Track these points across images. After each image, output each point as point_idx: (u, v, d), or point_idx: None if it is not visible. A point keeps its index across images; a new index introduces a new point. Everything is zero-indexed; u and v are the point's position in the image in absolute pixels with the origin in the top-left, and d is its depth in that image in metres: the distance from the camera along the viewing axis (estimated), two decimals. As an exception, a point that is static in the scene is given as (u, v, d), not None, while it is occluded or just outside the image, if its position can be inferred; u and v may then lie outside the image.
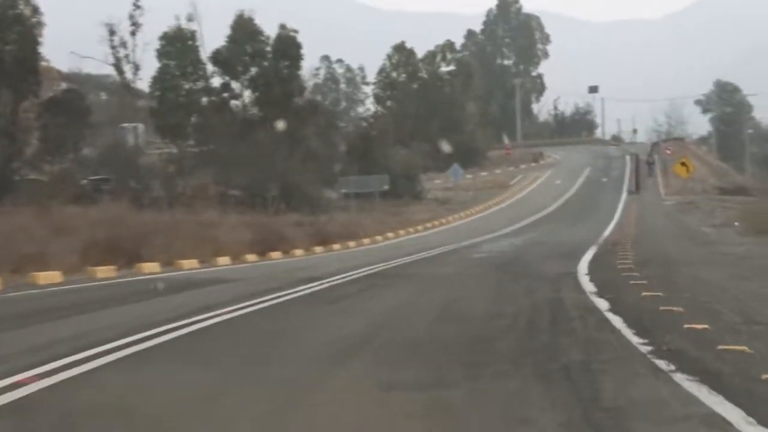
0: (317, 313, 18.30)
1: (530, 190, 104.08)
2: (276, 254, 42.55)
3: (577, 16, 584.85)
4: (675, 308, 17.96)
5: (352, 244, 51.82)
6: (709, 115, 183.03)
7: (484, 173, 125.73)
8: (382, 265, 31.00)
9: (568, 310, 18.40)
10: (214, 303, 19.26)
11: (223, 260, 37.47)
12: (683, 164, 72.09)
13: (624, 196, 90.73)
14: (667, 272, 25.44)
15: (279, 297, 20.82)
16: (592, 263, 29.22)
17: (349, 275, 27.09)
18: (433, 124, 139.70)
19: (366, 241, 54.29)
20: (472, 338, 14.47)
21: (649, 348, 13.52)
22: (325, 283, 24.59)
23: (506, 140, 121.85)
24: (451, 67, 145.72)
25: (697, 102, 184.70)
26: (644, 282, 22.63)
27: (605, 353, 13.15)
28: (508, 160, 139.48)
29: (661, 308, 18.02)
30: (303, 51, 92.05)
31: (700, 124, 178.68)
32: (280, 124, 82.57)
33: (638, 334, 14.93)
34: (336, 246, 49.68)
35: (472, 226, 65.22)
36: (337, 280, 25.67)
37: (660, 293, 20.37)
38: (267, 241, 45.78)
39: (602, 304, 18.97)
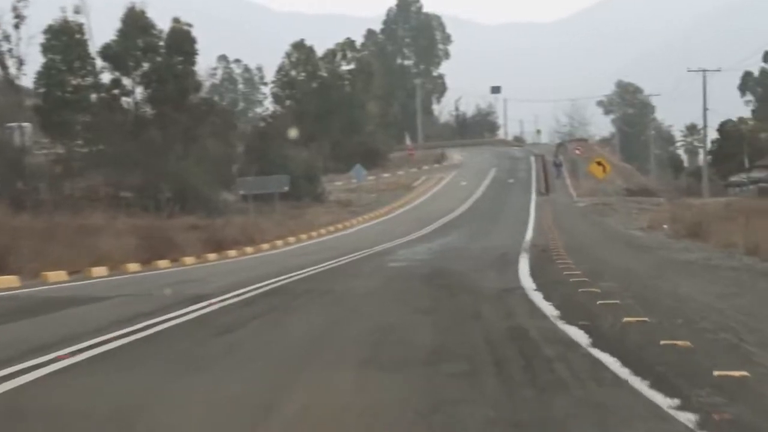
0: (191, 360, 12.91)
1: (435, 192, 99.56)
2: (163, 263, 37.17)
3: (473, 19, 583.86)
4: (679, 342, 13.28)
5: (249, 250, 46.56)
6: (611, 116, 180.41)
7: (386, 175, 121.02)
8: (284, 277, 25.86)
9: (538, 345, 13.61)
10: (49, 341, 13.99)
11: (99, 271, 32.05)
12: (599, 164, 67.79)
13: (534, 197, 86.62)
14: (634, 287, 20.83)
15: (148, 327, 15.54)
16: (535, 275, 24.43)
17: (246, 292, 21.94)
18: (333, 124, 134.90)
19: (265, 246, 49.07)
20: (419, 408, 9.47)
21: (693, 418, 8.88)
22: (214, 304, 19.45)
23: (409, 141, 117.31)
24: (352, 66, 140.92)
25: (599, 103, 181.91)
26: (615, 301, 17.94)
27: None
28: (410, 162, 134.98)
29: (662, 342, 13.33)
30: (198, 47, 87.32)
31: (602, 125, 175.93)
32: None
33: (657, 387, 10.23)
34: (232, 253, 44.42)
35: (379, 230, 60.34)
36: (230, 298, 20.51)
37: (645, 318, 15.69)
38: (155, 247, 40.44)
39: (578, 336, 14.22)
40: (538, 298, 19.33)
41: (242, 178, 76.62)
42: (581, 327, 14.90)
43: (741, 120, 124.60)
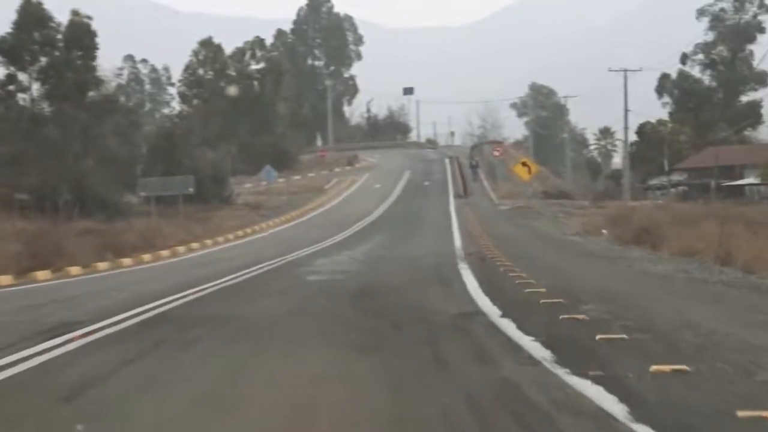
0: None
1: (348, 195, 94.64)
2: (43, 274, 31.73)
3: (383, 23, 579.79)
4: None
5: (147, 257, 41.17)
6: (524, 119, 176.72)
7: (297, 177, 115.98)
8: (179, 295, 20.66)
9: (551, 418, 8.77)
10: None
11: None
12: (524, 165, 63.56)
13: (452, 200, 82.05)
14: (627, 312, 15.94)
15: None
16: (490, 292, 19.50)
17: (126, 318, 16.77)
18: (242, 125, 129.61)
19: (165, 253, 43.69)
20: None
21: None
22: (78, 338, 14.33)
23: (320, 142, 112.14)
24: (261, 66, 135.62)
25: (513, 105, 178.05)
26: (620, 336, 13.18)
27: None
28: (322, 163, 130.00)
29: (741, 414, 8.67)
30: (102, 45, 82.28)
31: (516, 128, 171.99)
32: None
33: None
34: (127, 261, 39.04)
35: (292, 235, 55.25)
36: (103, 329, 15.38)
37: (680, 365, 10.90)
38: (39, 255, 35.13)
39: (602, 398, 9.40)
40: (509, 328, 14.44)
41: (144, 178, 71.05)
42: (597, 381, 10.10)
43: (660, 122, 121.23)
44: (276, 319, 16.69)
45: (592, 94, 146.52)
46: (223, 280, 25.01)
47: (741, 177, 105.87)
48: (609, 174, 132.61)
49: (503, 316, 15.84)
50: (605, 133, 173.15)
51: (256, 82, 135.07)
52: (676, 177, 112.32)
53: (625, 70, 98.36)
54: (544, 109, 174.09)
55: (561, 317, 15.24)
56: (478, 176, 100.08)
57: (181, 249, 46.20)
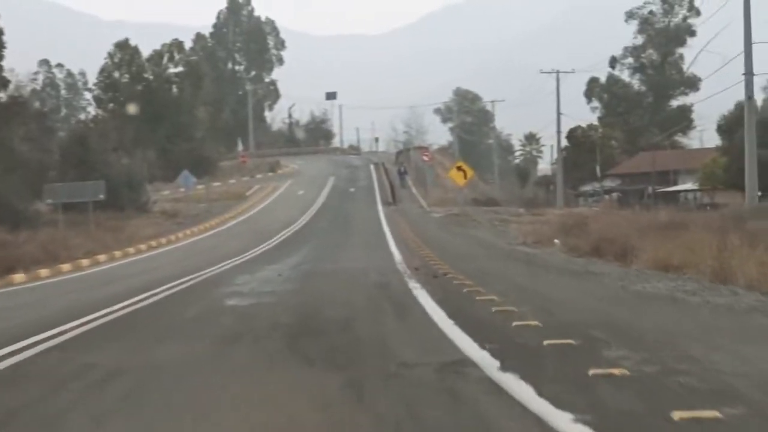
0: None
1: (271, 201, 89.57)
2: None
3: (306, 31, 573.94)
4: None
5: (44, 273, 35.87)
6: (449, 125, 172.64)
7: (217, 183, 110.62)
8: (55, 331, 15.65)
9: None
10: None
11: None
12: (459, 169, 58.95)
13: (381, 207, 77.35)
14: (688, 365, 11.18)
15: None
16: (466, 327, 14.58)
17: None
18: (160, 130, 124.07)
19: (66, 267, 38.37)
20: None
21: None
22: None
23: (241, 147, 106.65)
24: (180, 69, 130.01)
25: (437, 111, 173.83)
26: (714, 415, 8.47)
27: None
28: (242, 170, 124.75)
29: None
30: (10, 45, 77.10)
31: (441, 134, 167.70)
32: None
33: None
34: (19, 277, 33.78)
35: (210, 245, 50.11)
36: None
37: None
38: None
39: None
40: (526, 395, 9.58)
41: (50, 185, 65.32)
42: None
43: (591, 127, 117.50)
44: (177, 380, 11.66)
45: (519, 100, 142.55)
46: (119, 305, 19.88)
47: (675, 183, 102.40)
48: (538, 180, 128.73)
49: (503, 369, 10.99)
50: (531, 139, 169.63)
51: (174, 86, 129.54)
52: (608, 183, 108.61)
53: (557, 72, 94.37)
54: (469, 114, 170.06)
55: (591, 373, 10.45)
56: (407, 182, 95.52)
57: (85, 262, 40.90)
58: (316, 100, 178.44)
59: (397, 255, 35.81)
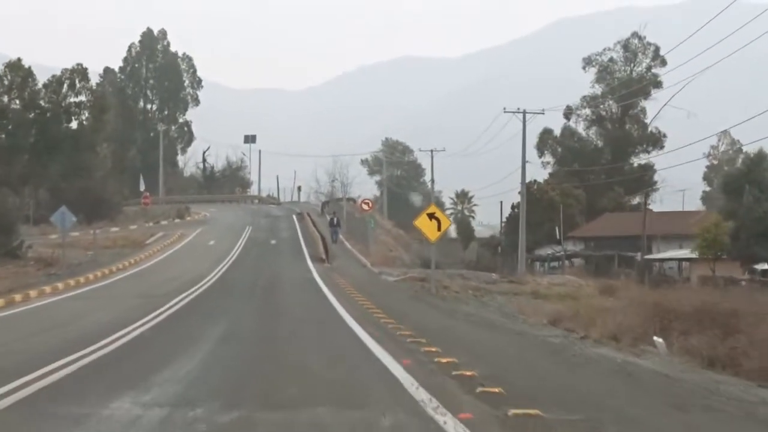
0: None
1: (175, 252, 71.47)
2: None
3: (222, 82, 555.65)
4: None
5: None
6: (376, 177, 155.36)
7: (115, 229, 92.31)
8: None
9: None
10: None
11: None
12: (432, 217, 41.49)
13: (312, 265, 59.50)
14: None
15: None
16: None
17: None
18: (53, 166, 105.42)
19: None
20: None
21: None
22: None
23: (143, 186, 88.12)
24: (82, 98, 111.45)
25: (364, 162, 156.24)
26: None
27: None
28: (147, 214, 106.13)
29: None
30: None
31: (368, 187, 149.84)
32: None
33: None
34: None
35: (71, 313, 31.95)
36: None
37: None
38: None
39: None
40: None
41: None
42: None
43: (547, 183, 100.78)
44: None
45: (455, 152, 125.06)
46: None
47: (649, 249, 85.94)
48: (484, 241, 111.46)
49: None
50: (462, 197, 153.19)
51: (74, 118, 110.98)
52: (570, 246, 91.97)
53: (524, 112, 77.43)
54: (398, 167, 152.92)
55: None
56: (338, 237, 77.68)
57: None
58: (232, 144, 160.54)
59: (380, 352, 18.42)
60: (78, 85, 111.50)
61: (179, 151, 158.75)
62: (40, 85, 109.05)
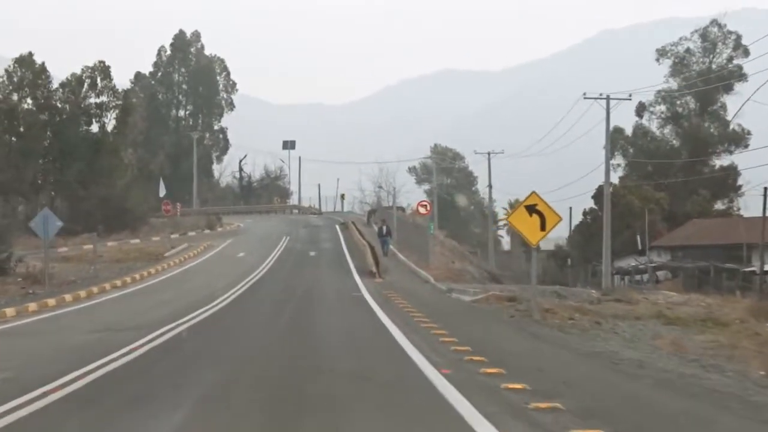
0: None
1: (195, 265, 58.91)
2: None
3: (259, 96, 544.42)
4: None
5: None
6: (425, 186, 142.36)
7: (135, 241, 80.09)
8: None
9: None
10: None
11: None
12: (533, 210, 29.00)
13: (360, 280, 46.74)
14: None
15: None
16: None
17: None
18: (70, 172, 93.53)
19: None
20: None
21: None
22: None
23: (163, 190, 75.09)
24: (104, 99, 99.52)
25: (411, 170, 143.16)
26: None
27: None
28: (174, 225, 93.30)
29: None
30: None
31: (415, 195, 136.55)
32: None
33: None
34: None
35: (50, 345, 19.84)
36: None
37: None
38: None
39: None
40: None
41: None
42: None
43: (624, 185, 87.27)
44: None
45: (503, 158, 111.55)
46: None
47: (748, 259, 72.60)
48: (551, 253, 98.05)
49: None
50: (517, 206, 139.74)
51: (94, 120, 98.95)
52: (654, 257, 78.55)
53: (608, 97, 64.38)
54: (449, 174, 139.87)
55: None
56: (388, 248, 64.68)
57: None
58: (271, 152, 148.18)
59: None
60: (100, 85, 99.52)
61: (214, 160, 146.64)
62: (56, 85, 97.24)
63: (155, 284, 45.63)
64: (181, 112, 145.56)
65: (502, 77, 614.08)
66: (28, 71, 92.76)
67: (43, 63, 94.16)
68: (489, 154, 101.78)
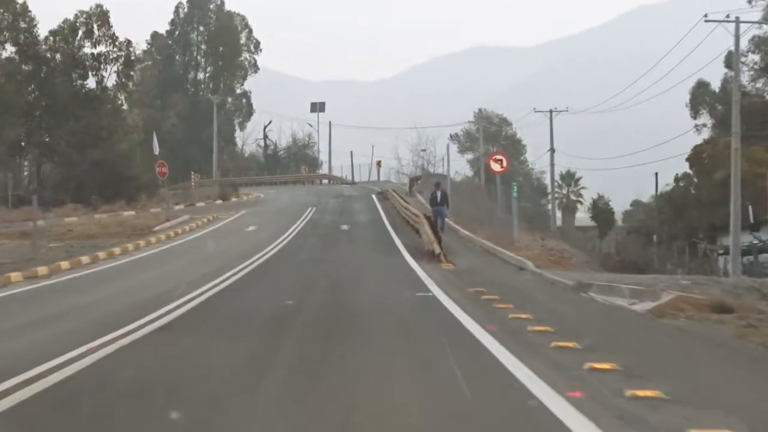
0: None
1: (184, 242, 42.61)
2: None
3: (294, 74, 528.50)
4: None
5: None
6: (468, 155, 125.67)
7: (129, 212, 63.85)
8: None
9: None
10: None
11: None
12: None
13: (415, 264, 30.45)
14: None
15: None
16: None
17: None
18: (59, 132, 78.16)
19: None
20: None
21: None
22: None
23: (157, 147, 58.98)
24: (102, 49, 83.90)
25: (453, 137, 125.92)
26: None
27: None
28: (190, 196, 76.47)
29: None
30: None
31: (458, 165, 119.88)
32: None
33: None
34: None
35: None
36: None
37: None
38: None
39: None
40: None
41: None
42: None
43: (726, 144, 70.16)
44: None
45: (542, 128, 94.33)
46: None
47: None
48: (632, 229, 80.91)
49: None
50: (568, 178, 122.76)
51: (91, 73, 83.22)
52: (763, 235, 61.61)
53: (737, 20, 47.74)
54: (494, 141, 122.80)
55: None
56: (444, 220, 47.58)
57: None
58: (298, 118, 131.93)
59: None
60: (97, 33, 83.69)
61: (237, 127, 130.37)
62: (46, 33, 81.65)
63: (132, 264, 29.72)
64: (200, 75, 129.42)
65: (534, 53, 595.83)
66: (8, 12, 76.89)
67: (25, 2, 78.21)
68: (551, 111, 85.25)
